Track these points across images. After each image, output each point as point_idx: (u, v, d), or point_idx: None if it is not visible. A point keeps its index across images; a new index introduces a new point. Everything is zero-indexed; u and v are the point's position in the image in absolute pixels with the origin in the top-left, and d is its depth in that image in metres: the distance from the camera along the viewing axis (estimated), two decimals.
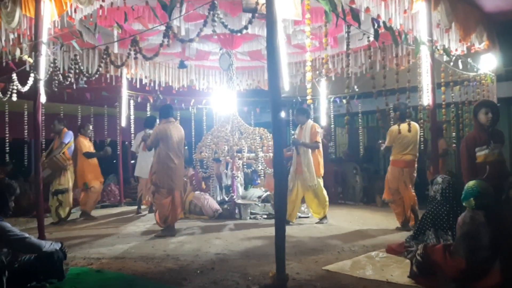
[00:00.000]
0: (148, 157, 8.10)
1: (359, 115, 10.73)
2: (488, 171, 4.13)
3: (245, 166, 8.02)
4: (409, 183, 6.36)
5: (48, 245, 3.54)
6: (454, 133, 8.92)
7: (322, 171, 6.98)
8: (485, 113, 4.30)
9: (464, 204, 3.58)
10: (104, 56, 5.76)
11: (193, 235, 6.08)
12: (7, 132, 9.45)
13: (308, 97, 5.99)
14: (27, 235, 3.50)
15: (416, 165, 6.50)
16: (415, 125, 6.31)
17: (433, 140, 6.06)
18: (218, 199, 7.98)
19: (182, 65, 5.93)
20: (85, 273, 4.02)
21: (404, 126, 6.09)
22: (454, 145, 8.36)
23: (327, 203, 6.98)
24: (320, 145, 7.02)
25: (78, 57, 5.90)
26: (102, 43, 6.61)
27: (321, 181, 6.96)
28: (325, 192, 6.96)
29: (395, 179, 6.39)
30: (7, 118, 9.25)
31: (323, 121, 10.11)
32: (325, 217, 7.00)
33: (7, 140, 9.55)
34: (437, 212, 4.28)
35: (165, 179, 6.01)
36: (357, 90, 9.28)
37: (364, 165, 10.48)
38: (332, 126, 11.03)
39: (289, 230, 6.00)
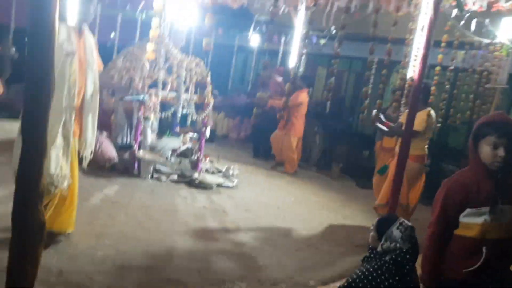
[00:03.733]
0: None
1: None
2: (483, 258, 2.11)
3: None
4: None
5: None
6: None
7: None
8: (493, 145, 2.08)
9: None
10: None
11: None
12: None
13: None
14: None
15: None
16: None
17: (409, 122, 4.23)
18: (126, 141, 6.13)
19: None
20: None
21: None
22: None
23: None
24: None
25: None
26: None
27: None
28: None
29: (414, 179, 4.68)
30: None
31: (293, 59, 8.10)
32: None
33: None
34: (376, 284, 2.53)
35: None
36: (334, 32, 7.13)
37: (328, 123, 8.60)
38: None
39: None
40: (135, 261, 3.39)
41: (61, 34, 3.15)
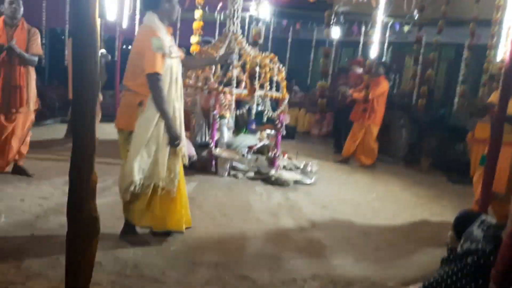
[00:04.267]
0: None
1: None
2: None
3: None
4: None
5: None
6: None
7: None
8: None
9: None
10: None
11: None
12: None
13: None
14: None
15: None
16: None
17: (502, 107, 3.73)
18: (205, 139, 6.27)
19: None
20: None
21: None
22: None
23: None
24: None
25: None
26: None
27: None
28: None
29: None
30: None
31: (374, 49, 7.74)
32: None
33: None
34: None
35: None
36: (416, 17, 6.65)
37: (416, 115, 8.06)
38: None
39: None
40: (206, 257, 3.41)
41: (165, 38, 3.20)
